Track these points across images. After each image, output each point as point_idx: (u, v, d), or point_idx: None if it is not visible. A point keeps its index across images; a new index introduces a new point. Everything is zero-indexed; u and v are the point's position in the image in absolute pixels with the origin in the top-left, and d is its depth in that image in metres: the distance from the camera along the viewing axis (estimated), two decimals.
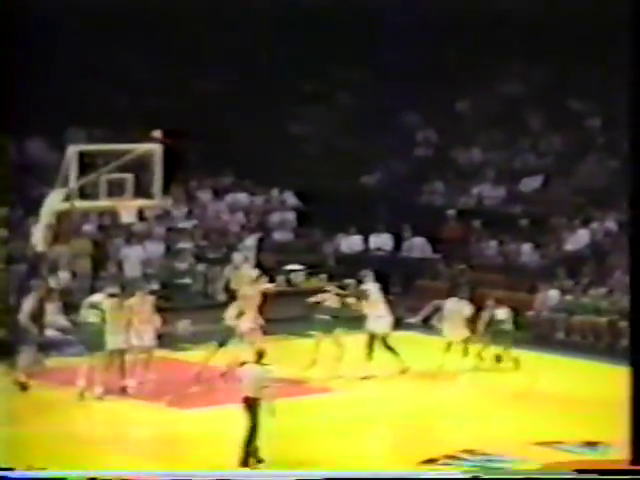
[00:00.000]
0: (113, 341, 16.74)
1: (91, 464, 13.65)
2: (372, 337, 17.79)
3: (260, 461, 13.60)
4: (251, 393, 13.65)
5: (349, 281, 18.30)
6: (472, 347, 17.94)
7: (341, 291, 18.00)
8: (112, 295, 16.97)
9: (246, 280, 18.16)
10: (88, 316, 16.82)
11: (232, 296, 18.08)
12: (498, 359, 18.10)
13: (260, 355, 13.94)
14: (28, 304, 17.45)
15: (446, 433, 15.46)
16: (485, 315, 18.39)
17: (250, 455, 13.55)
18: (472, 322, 18.10)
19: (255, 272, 18.54)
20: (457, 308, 18.02)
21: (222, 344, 17.23)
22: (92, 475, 10.04)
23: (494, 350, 18.05)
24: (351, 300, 18.03)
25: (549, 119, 24.93)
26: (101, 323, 16.69)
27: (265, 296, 17.86)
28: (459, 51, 25.58)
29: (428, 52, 25.31)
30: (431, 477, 10.42)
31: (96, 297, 17.14)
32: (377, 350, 17.91)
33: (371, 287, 18.22)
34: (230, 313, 17.41)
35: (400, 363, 17.66)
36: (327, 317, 17.74)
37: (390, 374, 17.60)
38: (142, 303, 17.03)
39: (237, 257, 21.48)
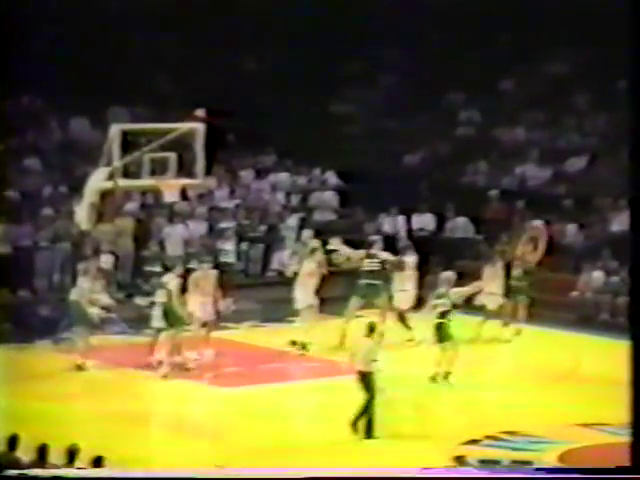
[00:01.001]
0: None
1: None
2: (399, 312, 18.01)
3: (370, 436, 13.71)
4: (363, 367, 13.74)
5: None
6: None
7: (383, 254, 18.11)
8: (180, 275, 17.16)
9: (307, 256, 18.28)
10: (160, 295, 16.91)
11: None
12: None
13: (371, 329, 14.09)
14: (83, 284, 17.54)
15: (488, 414, 15.39)
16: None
17: (363, 428, 13.70)
18: None
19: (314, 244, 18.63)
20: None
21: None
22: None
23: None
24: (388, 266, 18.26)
25: (594, 98, 24.67)
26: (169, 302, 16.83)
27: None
28: (503, 30, 25.35)
29: (471, 31, 25.11)
30: (433, 477, 10.44)
31: (165, 277, 17.26)
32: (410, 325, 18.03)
33: (409, 260, 18.35)
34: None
35: (410, 338, 17.66)
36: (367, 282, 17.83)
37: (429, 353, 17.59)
38: (205, 277, 17.19)
39: (307, 235, 21.12)
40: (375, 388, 13.89)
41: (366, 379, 13.90)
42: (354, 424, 13.90)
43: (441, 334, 16.35)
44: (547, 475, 11.11)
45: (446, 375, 16.20)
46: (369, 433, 13.91)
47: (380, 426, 13.96)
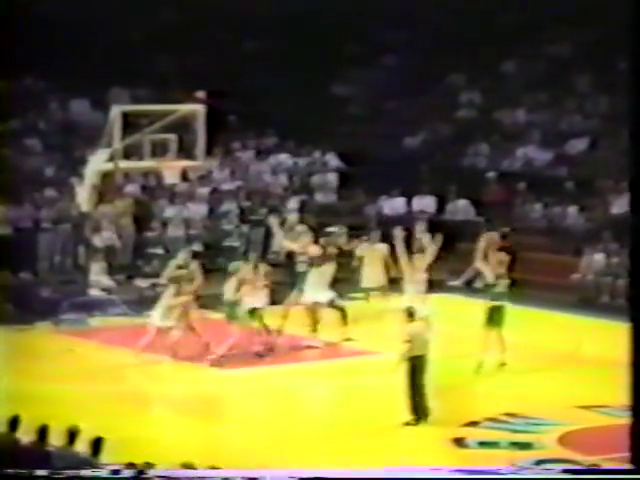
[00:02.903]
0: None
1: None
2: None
3: (420, 418, 13.74)
4: (419, 351, 13.80)
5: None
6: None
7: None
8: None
9: (302, 240, 18.12)
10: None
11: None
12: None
13: (410, 314, 14.09)
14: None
15: (488, 396, 15.40)
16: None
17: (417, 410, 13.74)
18: None
19: (309, 233, 18.49)
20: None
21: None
22: None
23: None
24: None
25: (596, 80, 24.60)
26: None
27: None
28: (504, 11, 25.26)
29: (473, 13, 25.02)
30: (436, 477, 10.48)
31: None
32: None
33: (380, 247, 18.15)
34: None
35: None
36: None
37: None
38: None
39: (291, 218, 21.07)
40: (425, 372, 13.88)
41: (419, 362, 13.87)
42: (414, 409, 13.81)
43: (496, 318, 16.08)
44: (548, 475, 11.14)
45: (502, 364, 15.98)
46: (420, 415, 13.88)
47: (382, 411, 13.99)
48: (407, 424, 13.81)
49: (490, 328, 16.17)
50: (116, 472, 9.89)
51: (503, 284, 16.29)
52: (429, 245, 18.08)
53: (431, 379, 15.10)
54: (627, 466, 10.15)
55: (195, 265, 16.89)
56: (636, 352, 10.09)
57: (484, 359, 16.04)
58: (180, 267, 16.76)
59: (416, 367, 13.87)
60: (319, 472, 10.53)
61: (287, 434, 13.62)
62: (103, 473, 9.91)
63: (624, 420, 13.17)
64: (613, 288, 20.28)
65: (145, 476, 9.82)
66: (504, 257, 16.59)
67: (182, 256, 17.02)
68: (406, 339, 13.97)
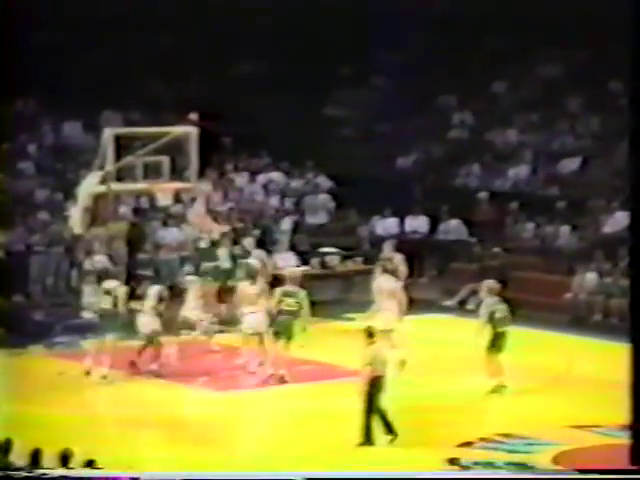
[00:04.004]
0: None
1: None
2: None
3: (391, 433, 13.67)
4: (378, 372, 13.77)
5: None
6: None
7: None
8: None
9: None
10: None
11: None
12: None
13: (370, 334, 14.01)
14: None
15: (482, 416, 15.40)
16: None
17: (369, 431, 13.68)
18: None
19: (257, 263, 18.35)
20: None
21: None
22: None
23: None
24: None
25: (587, 101, 24.71)
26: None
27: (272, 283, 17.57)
28: (495, 33, 25.38)
29: (464, 34, 25.13)
30: (434, 477, 10.47)
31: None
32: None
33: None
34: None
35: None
36: None
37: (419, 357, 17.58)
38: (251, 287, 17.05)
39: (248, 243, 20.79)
40: (382, 392, 13.84)
41: (378, 384, 13.85)
42: (366, 432, 13.80)
43: (499, 344, 16.01)
44: (545, 476, 11.12)
45: (499, 389, 15.90)
46: (369, 438, 13.84)
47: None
48: (361, 445, 13.74)
49: (493, 353, 16.09)
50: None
51: (500, 310, 16.20)
52: (401, 264, 18.12)
53: (420, 399, 15.13)
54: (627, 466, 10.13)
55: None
56: (636, 373, 10.08)
57: (489, 384, 15.93)
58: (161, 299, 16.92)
59: (374, 388, 13.80)
60: (320, 473, 10.48)
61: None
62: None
63: (618, 440, 13.20)
64: (606, 307, 20.31)
65: None
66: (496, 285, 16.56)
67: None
68: (366, 361, 13.87)
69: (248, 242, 19.95)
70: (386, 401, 13.89)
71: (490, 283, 16.52)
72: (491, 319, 16.18)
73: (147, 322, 16.82)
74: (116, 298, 16.81)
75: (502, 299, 16.36)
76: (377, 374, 13.85)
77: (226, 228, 18.69)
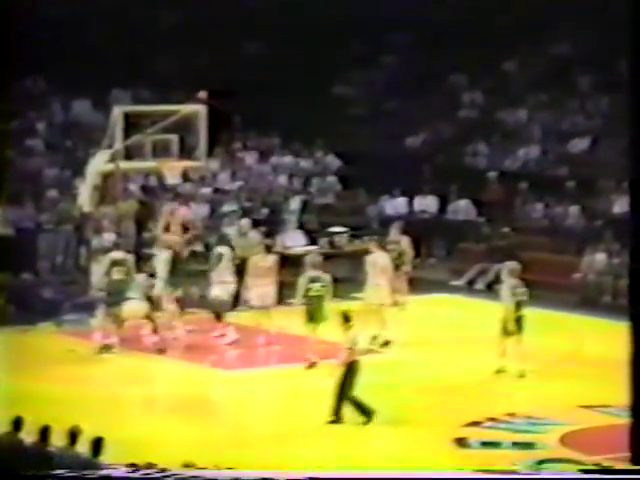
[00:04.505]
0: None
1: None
2: None
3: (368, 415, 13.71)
4: (355, 356, 13.80)
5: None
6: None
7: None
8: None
9: (254, 247, 18.09)
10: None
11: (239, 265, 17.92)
12: None
13: (347, 318, 14.03)
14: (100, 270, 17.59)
15: (490, 396, 15.40)
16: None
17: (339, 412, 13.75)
18: None
19: (260, 239, 18.40)
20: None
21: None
22: None
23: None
24: None
25: (597, 80, 24.61)
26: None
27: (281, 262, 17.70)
28: (507, 12, 25.27)
29: (474, 13, 25.03)
30: (432, 477, 10.49)
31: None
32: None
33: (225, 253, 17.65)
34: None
35: None
36: None
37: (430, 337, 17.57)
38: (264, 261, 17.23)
39: (244, 223, 20.80)
40: (357, 376, 13.84)
41: (353, 367, 13.87)
42: (336, 412, 13.80)
43: (517, 326, 15.77)
44: (548, 476, 11.14)
45: (521, 375, 15.70)
46: (367, 414, 13.87)
47: (381, 411, 13.98)
48: (331, 422, 13.77)
49: (508, 336, 15.89)
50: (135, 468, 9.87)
51: (521, 293, 16.04)
52: (407, 247, 18.15)
53: (428, 379, 15.11)
54: (627, 466, 10.15)
55: None
56: (636, 352, 10.08)
57: (502, 367, 15.79)
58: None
59: (350, 372, 13.81)
60: (320, 473, 10.55)
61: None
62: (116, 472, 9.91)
63: (626, 420, 13.19)
64: (615, 288, 20.28)
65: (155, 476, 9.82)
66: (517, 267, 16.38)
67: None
68: (345, 345, 13.89)
69: (245, 222, 19.88)
70: (359, 384, 13.85)
71: (512, 265, 16.29)
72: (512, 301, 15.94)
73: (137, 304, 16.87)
74: (128, 268, 16.86)
75: (520, 283, 16.06)
76: (353, 358, 13.85)
77: (188, 236, 18.49)
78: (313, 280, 16.34)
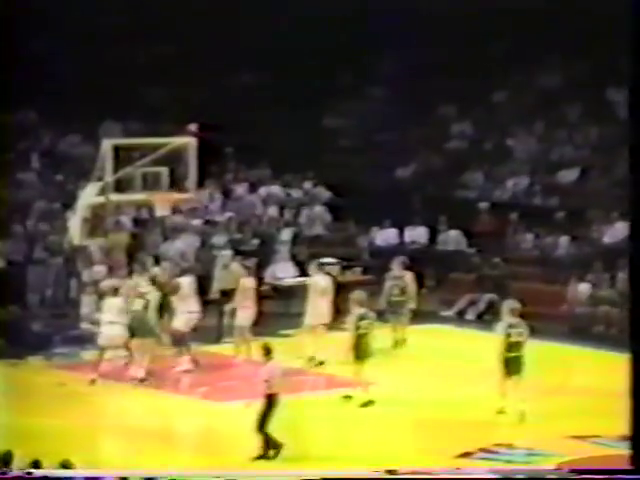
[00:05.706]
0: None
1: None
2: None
3: (276, 448, 13.66)
4: (276, 389, 13.77)
5: None
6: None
7: None
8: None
9: (237, 277, 18.25)
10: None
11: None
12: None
13: (267, 351, 13.99)
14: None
15: (481, 427, 15.36)
16: None
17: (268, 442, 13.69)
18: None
19: (242, 269, 18.53)
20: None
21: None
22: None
23: None
24: None
25: (586, 111, 24.73)
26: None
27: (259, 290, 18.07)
28: (495, 43, 25.41)
29: (463, 44, 25.15)
30: (436, 477, 10.45)
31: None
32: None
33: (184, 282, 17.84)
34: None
35: None
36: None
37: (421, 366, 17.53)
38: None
39: (225, 255, 20.40)
40: (275, 409, 13.77)
41: (272, 401, 13.81)
42: (267, 443, 13.72)
43: (516, 366, 15.46)
44: (545, 476, 11.07)
45: (522, 416, 15.29)
46: (275, 448, 13.76)
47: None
48: (259, 458, 13.68)
49: (508, 377, 15.56)
50: None
51: (520, 333, 15.74)
52: (411, 283, 18.22)
53: (419, 408, 15.03)
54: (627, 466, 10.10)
55: None
56: (636, 384, 10.05)
57: (504, 407, 15.52)
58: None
59: (269, 405, 13.75)
60: (333, 472, 10.46)
61: None
62: None
63: (618, 450, 13.17)
64: (605, 318, 20.29)
65: None
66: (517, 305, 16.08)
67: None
68: (264, 378, 13.83)
69: (226, 254, 19.97)
70: (276, 419, 13.75)
71: (511, 303, 15.92)
72: (509, 340, 15.54)
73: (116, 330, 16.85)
74: (147, 302, 16.87)
75: (523, 320, 15.70)
76: (272, 391, 13.80)
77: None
78: (362, 318, 16.05)
